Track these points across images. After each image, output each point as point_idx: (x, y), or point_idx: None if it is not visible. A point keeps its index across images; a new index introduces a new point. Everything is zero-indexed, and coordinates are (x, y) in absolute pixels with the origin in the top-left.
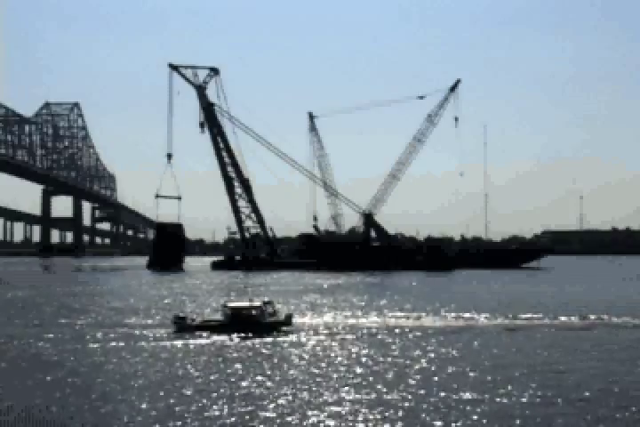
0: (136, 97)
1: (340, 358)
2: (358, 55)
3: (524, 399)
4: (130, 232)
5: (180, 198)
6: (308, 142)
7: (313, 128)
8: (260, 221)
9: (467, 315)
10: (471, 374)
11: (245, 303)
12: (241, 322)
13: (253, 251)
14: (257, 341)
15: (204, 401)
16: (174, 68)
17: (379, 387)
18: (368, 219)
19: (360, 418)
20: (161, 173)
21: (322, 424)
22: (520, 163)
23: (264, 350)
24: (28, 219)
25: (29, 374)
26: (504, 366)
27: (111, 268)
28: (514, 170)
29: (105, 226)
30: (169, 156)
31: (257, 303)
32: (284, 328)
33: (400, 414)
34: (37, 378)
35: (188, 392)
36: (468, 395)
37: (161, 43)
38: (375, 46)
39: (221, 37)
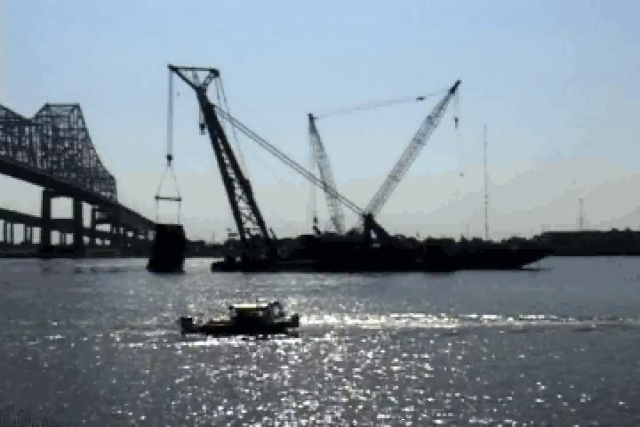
0: (136, 98)
1: (348, 360)
2: (358, 56)
3: (533, 400)
4: (130, 233)
5: (180, 199)
6: (308, 143)
7: (313, 129)
8: (260, 222)
9: (469, 316)
10: (478, 375)
11: (252, 305)
12: (247, 323)
13: (253, 252)
14: (263, 342)
15: (209, 402)
16: (174, 69)
17: (387, 388)
18: (368, 220)
19: (370, 419)
20: (161, 175)
21: (330, 425)
22: (520, 163)
23: (270, 351)
24: (28, 220)
25: (32, 375)
26: (510, 368)
27: (111, 269)
28: (514, 170)
29: (105, 227)
30: (169, 157)
31: (263, 305)
32: (291, 329)
33: (408, 414)
34: (40, 379)
35: (193, 393)
36: (474, 397)
37: (161, 44)
38: (375, 47)
39: (221, 38)
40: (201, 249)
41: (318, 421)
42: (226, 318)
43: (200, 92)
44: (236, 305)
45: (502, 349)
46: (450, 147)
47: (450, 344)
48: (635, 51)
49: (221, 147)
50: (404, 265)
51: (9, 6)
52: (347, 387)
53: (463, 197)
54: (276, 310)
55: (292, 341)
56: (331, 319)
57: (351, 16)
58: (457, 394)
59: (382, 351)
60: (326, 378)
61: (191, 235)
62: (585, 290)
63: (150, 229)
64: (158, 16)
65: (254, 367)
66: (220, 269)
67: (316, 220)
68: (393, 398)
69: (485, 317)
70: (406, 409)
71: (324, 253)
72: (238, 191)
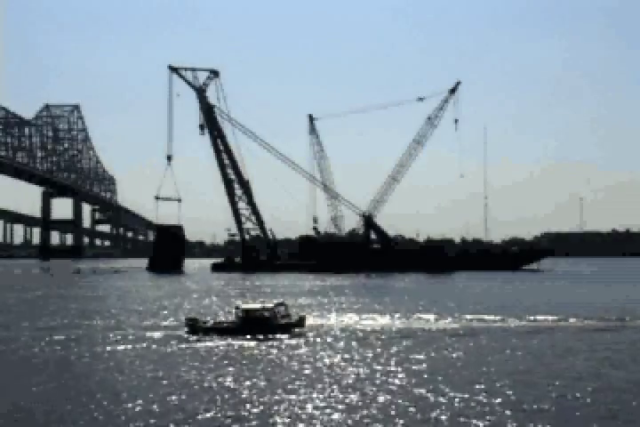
0: (136, 99)
1: (356, 360)
2: (358, 57)
3: (538, 402)
4: (130, 234)
5: (179, 200)
6: (308, 144)
7: (313, 130)
8: (260, 222)
9: (471, 316)
10: (479, 376)
11: (258, 305)
12: (253, 324)
13: (253, 253)
14: (269, 342)
15: (215, 403)
16: (174, 70)
17: (393, 388)
18: (368, 220)
19: (377, 419)
20: (161, 175)
21: (337, 425)
22: (520, 164)
23: (277, 352)
24: (28, 221)
25: (35, 376)
26: (515, 371)
27: (111, 269)
28: (514, 171)
29: (105, 228)
30: (169, 157)
31: (269, 305)
32: (297, 330)
33: (412, 414)
34: (43, 381)
35: (199, 393)
36: (481, 398)
37: (161, 44)
38: (375, 48)
39: (221, 38)
40: (201, 249)
41: (323, 421)
42: (232, 318)
43: (200, 92)
44: (242, 306)
45: (504, 349)
46: (450, 148)
47: (452, 345)
48: (636, 52)
49: (221, 147)
50: (404, 266)
51: (9, 7)
52: (355, 387)
53: (463, 198)
54: (282, 311)
55: (298, 341)
56: (335, 320)
57: (351, 17)
58: (458, 394)
59: (387, 351)
60: (332, 378)
61: (191, 235)
62: (584, 290)
63: (150, 230)
64: (158, 16)
65: (261, 368)
66: (220, 270)
67: (315, 220)
68: (401, 399)
69: (486, 317)
70: (412, 409)
71: (323, 254)
72: (238, 192)
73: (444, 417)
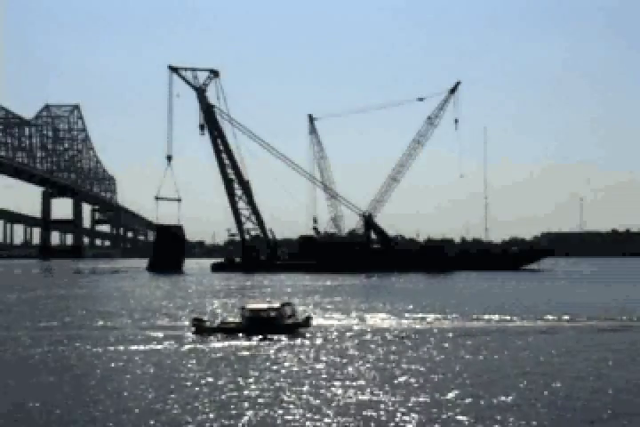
0: (136, 99)
1: (365, 360)
2: (358, 57)
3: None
4: (130, 234)
5: (179, 200)
6: (308, 144)
7: (313, 130)
8: (260, 222)
9: (473, 317)
10: (479, 377)
11: (264, 305)
12: (259, 324)
13: (253, 253)
14: (275, 342)
15: (219, 403)
16: (174, 70)
17: (402, 389)
18: (368, 220)
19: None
20: (161, 175)
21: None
22: (520, 164)
23: (282, 352)
24: (28, 221)
25: (35, 376)
26: (519, 372)
27: (111, 270)
28: (514, 171)
29: (105, 228)
30: (169, 157)
31: (275, 305)
32: (303, 330)
33: (420, 414)
34: (44, 380)
35: (205, 394)
36: (482, 398)
37: (161, 44)
38: (375, 47)
39: (221, 38)
40: (201, 249)
41: (330, 421)
42: (237, 318)
43: (200, 92)
44: (248, 306)
45: (509, 349)
46: (450, 148)
47: (453, 345)
48: (636, 52)
49: (221, 147)
50: (404, 266)
51: (9, 7)
52: (361, 387)
53: (463, 198)
54: (288, 311)
55: (304, 341)
56: (340, 320)
57: (351, 17)
58: (458, 394)
59: (391, 351)
60: (338, 378)
61: (191, 235)
62: (584, 290)
63: (150, 230)
64: (158, 16)
65: (266, 368)
66: (220, 270)
67: (315, 220)
68: (411, 400)
69: (487, 317)
70: (418, 409)
71: (323, 254)
72: (238, 192)
73: (446, 417)
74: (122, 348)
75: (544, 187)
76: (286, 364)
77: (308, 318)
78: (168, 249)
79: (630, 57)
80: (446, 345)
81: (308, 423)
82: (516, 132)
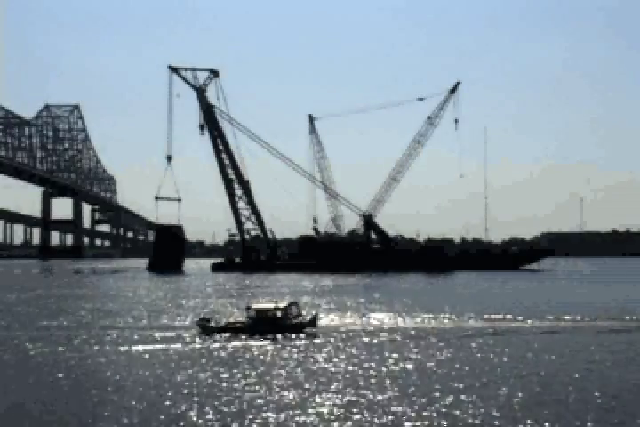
0: (136, 99)
1: (373, 360)
2: (358, 57)
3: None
4: (129, 234)
5: (179, 200)
6: (308, 144)
7: (313, 130)
8: (260, 222)
9: (474, 317)
10: (486, 377)
11: (270, 305)
12: (266, 324)
13: (253, 253)
14: (280, 342)
15: (224, 403)
16: (174, 69)
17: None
18: (368, 220)
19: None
20: (161, 175)
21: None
22: (520, 164)
23: (290, 352)
24: (28, 221)
25: (35, 376)
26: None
27: (111, 270)
28: (514, 171)
29: (105, 228)
30: (169, 157)
31: (281, 305)
32: (310, 330)
33: (426, 413)
34: (43, 380)
35: (211, 394)
36: (484, 397)
37: (161, 44)
38: (375, 47)
39: (221, 38)
40: (201, 249)
41: (337, 422)
42: (244, 318)
43: (200, 92)
44: (254, 305)
45: (515, 349)
46: (450, 148)
47: (455, 345)
48: (636, 52)
49: (221, 147)
50: (404, 266)
51: (9, 7)
52: (368, 387)
53: (463, 198)
54: (295, 310)
55: (310, 341)
56: (345, 320)
57: (351, 17)
58: (460, 394)
59: (396, 351)
60: (345, 378)
61: (191, 235)
62: (584, 290)
63: (150, 230)
64: (158, 16)
65: (271, 368)
66: (220, 270)
67: (315, 220)
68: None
69: (488, 317)
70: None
71: (323, 254)
72: (238, 192)
73: (449, 417)
74: (127, 348)
75: (544, 187)
76: (292, 363)
77: (315, 318)
78: (168, 249)
79: (630, 57)
80: (451, 345)
81: (314, 424)
82: (515, 132)
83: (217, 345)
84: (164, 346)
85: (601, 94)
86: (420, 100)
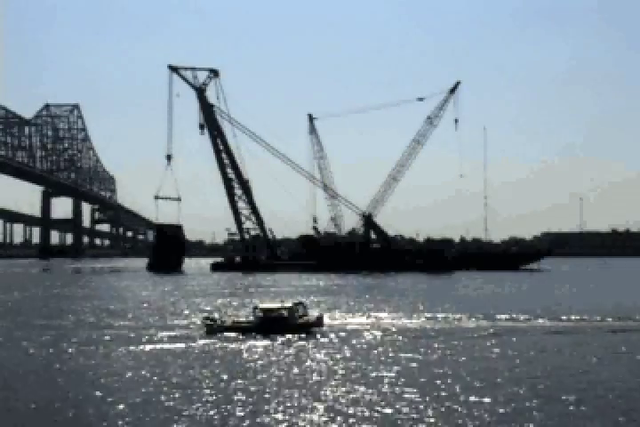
0: (136, 98)
1: (380, 359)
2: (358, 56)
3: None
4: (129, 233)
5: (179, 199)
6: (308, 144)
7: (312, 130)
8: (260, 222)
9: (476, 317)
10: (487, 377)
11: (276, 304)
12: (272, 323)
13: (253, 252)
14: (287, 342)
15: (229, 403)
16: (174, 69)
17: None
18: (368, 220)
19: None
20: (161, 175)
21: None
22: (520, 164)
23: (294, 351)
24: (27, 220)
25: (35, 375)
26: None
27: (111, 269)
28: (514, 171)
29: (104, 227)
30: (169, 157)
31: (288, 304)
32: (315, 329)
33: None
34: (43, 380)
35: (216, 394)
36: (484, 396)
37: (161, 44)
38: (375, 47)
39: (221, 38)
40: (200, 249)
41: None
42: (250, 317)
43: (200, 92)
44: (260, 305)
45: (521, 349)
46: (450, 148)
47: (464, 345)
48: (635, 51)
49: (221, 147)
50: (404, 265)
51: (9, 6)
52: (376, 387)
53: (463, 198)
54: (300, 310)
55: (316, 341)
56: (350, 319)
57: (351, 16)
58: (463, 393)
59: (401, 351)
60: (352, 378)
61: (191, 235)
62: (584, 290)
63: (150, 230)
64: (158, 16)
65: (279, 367)
66: (220, 270)
67: (315, 220)
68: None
69: (487, 318)
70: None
71: (323, 254)
72: (238, 191)
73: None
74: (133, 348)
75: (544, 186)
76: (299, 363)
77: (320, 318)
78: (168, 249)
79: (631, 57)
80: (456, 344)
81: (320, 423)
82: (515, 133)
83: (223, 345)
84: (170, 346)
85: (601, 94)
86: (420, 99)
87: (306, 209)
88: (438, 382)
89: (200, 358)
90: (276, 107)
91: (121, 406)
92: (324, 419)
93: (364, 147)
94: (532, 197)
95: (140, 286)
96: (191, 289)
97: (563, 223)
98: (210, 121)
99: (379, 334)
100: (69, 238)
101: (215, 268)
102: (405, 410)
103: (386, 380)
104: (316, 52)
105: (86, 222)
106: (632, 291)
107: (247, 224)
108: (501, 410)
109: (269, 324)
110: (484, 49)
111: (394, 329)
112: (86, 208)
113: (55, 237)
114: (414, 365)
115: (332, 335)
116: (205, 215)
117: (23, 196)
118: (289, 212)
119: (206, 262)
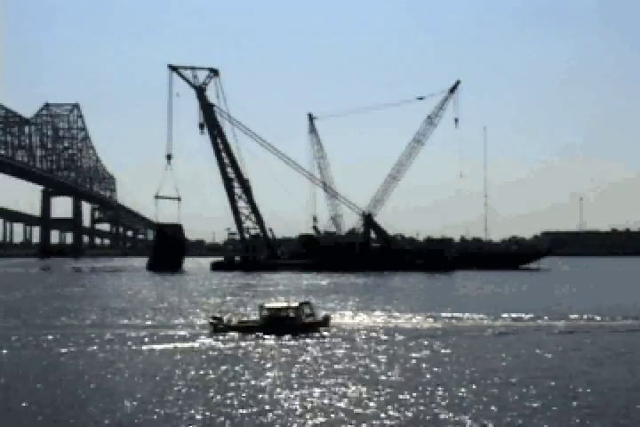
0: (136, 98)
1: (388, 359)
2: (358, 56)
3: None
4: (129, 233)
5: (179, 199)
6: (308, 143)
7: (312, 129)
8: (260, 221)
9: (478, 316)
10: (489, 377)
11: (283, 304)
12: (278, 323)
13: (253, 252)
14: (293, 341)
15: (235, 403)
16: (174, 68)
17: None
18: (368, 220)
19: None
20: (161, 174)
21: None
22: (520, 164)
23: (300, 351)
24: (27, 220)
25: (40, 377)
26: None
27: (112, 269)
28: (514, 171)
29: (105, 227)
30: (168, 157)
31: (294, 304)
32: (322, 329)
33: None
34: (44, 380)
35: (223, 393)
36: (485, 397)
37: (161, 44)
38: (375, 47)
39: (221, 38)
40: (200, 249)
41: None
42: (256, 317)
43: (200, 91)
44: (266, 304)
45: (523, 348)
46: (450, 147)
47: (467, 344)
48: (634, 51)
49: (221, 146)
50: (404, 265)
51: (9, 6)
52: (383, 385)
53: (463, 198)
54: (307, 310)
55: (322, 340)
56: (356, 319)
57: (351, 16)
58: (465, 394)
59: (407, 351)
60: (359, 377)
61: (191, 234)
62: (583, 290)
63: (150, 229)
64: (158, 16)
65: (286, 367)
66: (220, 269)
67: (315, 219)
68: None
69: (487, 317)
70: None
71: (323, 253)
72: (238, 191)
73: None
74: (140, 347)
75: (544, 186)
76: (305, 363)
77: (327, 318)
78: (168, 248)
79: (631, 57)
80: (456, 344)
81: (326, 423)
82: (515, 133)
83: (230, 345)
84: (176, 345)
85: (601, 94)
86: (420, 99)
87: (306, 209)
88: (439, 381)
89: (205, 358)
90: (275, 106)
91: (121, 406)
92: (329, 419)
93: (363, 147)
94: (532, 196)
95: (141, 286)
96: (191, 289)
97: (563, 223)
98: (210, 121)
99: (380, 333)
100: (69, 238)
101: (215, 267)
102: (407, 410)
103: (389, 379)
104: (315, 52)
105: (86, 222)
106: (632, 291)
107: (247, 224)
108: (501, 410)
109: (275, 323)
110: (484, 49)
111: (397, 329)
112: (86, 208)
113: (55, 236)
114: (415, 363)
115: (338, 335)
116: (205, 215)
117: (23, 195)
118: (289, 211)
119: (206, 262)
